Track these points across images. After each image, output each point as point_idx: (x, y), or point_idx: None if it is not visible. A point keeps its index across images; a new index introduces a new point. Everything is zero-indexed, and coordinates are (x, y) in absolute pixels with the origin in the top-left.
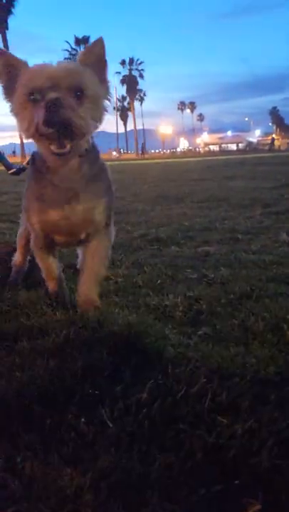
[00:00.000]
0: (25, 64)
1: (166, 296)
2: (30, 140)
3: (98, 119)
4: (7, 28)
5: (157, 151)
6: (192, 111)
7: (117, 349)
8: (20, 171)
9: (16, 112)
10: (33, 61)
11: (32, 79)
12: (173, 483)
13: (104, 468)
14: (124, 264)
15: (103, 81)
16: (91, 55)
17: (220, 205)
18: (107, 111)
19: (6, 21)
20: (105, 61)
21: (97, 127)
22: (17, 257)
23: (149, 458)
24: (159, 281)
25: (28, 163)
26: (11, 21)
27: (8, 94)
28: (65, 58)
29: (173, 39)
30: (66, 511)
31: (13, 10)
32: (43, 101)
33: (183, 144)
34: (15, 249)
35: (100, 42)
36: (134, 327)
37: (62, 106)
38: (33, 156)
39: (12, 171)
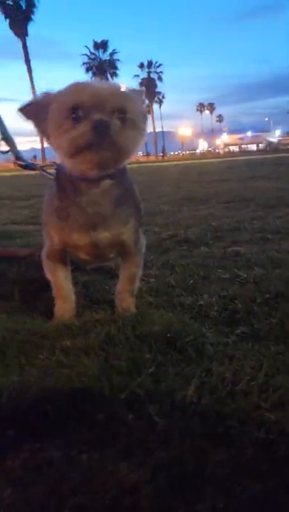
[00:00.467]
0: (48, 94)
1: (201, 296)
2: (68, 160)
3: (138, 145)
4: (27, 35)
5: (176, 152)
6: (211, 112)
7: (158, 347)
8: (29, 167)
9: (52, 129)
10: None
11: (74, 95)
12: (227, 479)
13: (159, 462)
14: (156, 265)
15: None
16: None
17: (247, 205)
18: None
19: (26, 28)
20: (146, 112)
21: (135, 153)
22: None
23: (202, 454)
24: (191, 282)
25: (41, 167)
26: (31, 28)
27: (42, 126)
28: (84, 63)
29: (191, 41)
30: (126, 503)
31: (32, 17)
32: (86, 120)
33: (202, 146)
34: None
35: (141, 93)
36: (174, 326)
37: (110, 128)
38: (58, 170)
39: (20, 163)
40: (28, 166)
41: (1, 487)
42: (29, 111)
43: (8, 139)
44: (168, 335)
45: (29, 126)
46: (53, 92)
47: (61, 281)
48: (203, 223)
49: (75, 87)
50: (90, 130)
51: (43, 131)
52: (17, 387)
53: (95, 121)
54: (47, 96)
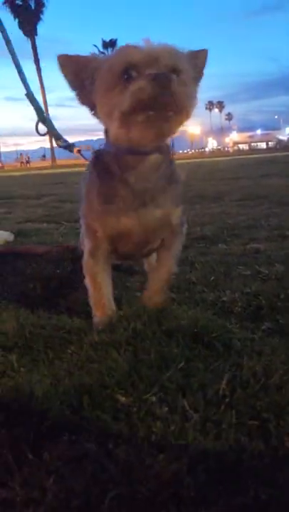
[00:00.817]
0: (93, 55)
1: (223, 293)
2: (115, 127)
3: (193, 109)
4: (36, 35)
5: (185, 151)
6: (220, 110)
7: (185, 342)
8: (68, 147)
9: (102, 95)
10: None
11: (127, 55)
12: (267, 470)
13: (196, 455)
14: None
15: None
16: (195, 59)
17: (261, 202)
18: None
19: (35, 28)
20: (202, 73)
21: (189, 117)
22: None
23: (239, 446)
24: (212, 278)
25: (79, 151)
26: (40, 28)
27: (82, 95)
28: None
29: (200, 39)
30: (167, 494)
31: (41, 16)
32: (138, 79)
33: (211, 144)
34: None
35: (205, 54)
36: (200, 321)
37: (171, 81)
38: (97, 154)
39: (59, 143)
40: (67, 147)
41: (42, 477)
42: (68, 63)
43: (46, 121)
44: (195, 330)
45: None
46: (99, 56)
47: (104, 289)
48: (218, 221)
49: (126, 48)
50: (151, 82)
51: (80, 95)
52: (48, 381)
53: (154, 73)
54: (92, 58)
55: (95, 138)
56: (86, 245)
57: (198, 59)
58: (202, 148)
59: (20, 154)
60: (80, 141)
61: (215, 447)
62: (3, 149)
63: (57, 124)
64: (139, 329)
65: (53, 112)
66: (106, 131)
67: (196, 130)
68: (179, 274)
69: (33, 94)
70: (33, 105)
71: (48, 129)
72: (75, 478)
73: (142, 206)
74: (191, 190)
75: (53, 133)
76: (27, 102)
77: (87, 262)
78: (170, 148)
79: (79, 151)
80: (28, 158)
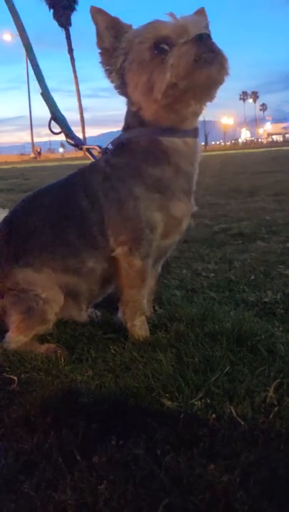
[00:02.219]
0: (129, 26)
1: (264, 293)
2: (153, 107)
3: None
4: (70, 25)
5: (217, 142)
6: (254, 101)
7: (229, 345)
8: (78, 146)
9: (136, 72)
10: (95, 56)
11: (157, 29)
12: None
13: (248, 465)
14: (213, 260)
15: None
16: (203, 17)
17: None
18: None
19: (70, 18)
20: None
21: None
22: None
23: None
24: (252, 277)
25: (88, 149)
26: (74, 18)
27: (110, 60)
28: None
29: (234, 27)
30: (220, 506)
31: (76, 6)
32: (175, 48)
33: (244, 135)
34: None
35: (203, 11)
36: (244, 324)
37: (211, 39)
38: (120, 145)
39: (70, 141)
40: (77, 145)
41: (93, 482)
42: (101, 15)
43: (58, 119)
44: (239, 333)
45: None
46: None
47: (145, 294)
48: (255, 217)
49: (155, 23)
50: (195, 43)
51: (105, 55)
52: (94, 382)
53: (196, 35)
54: (126, 26)
55: None
56: (131, 253)
57: (203, 14)
58: (235, 139)
59: (33, 146)
60: (112, 132)
61: (266, 457)
62: (37, 139)
63: (89, 115)
64: (182, 331)
65: (86, 103)
66: (135, 114)
67: (230, 121)
68: (217, 272)
69: (48, 92)
70: (47, 103)
71: (59, 126)
72: (126, 484)
73: (190, 194)
74: (225, 183)
75: (64, 131)
76: (60, 93)
77: (143, 266)
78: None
79: (88, 150)
80: (40, 149)
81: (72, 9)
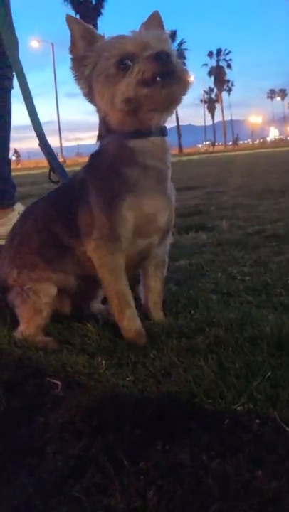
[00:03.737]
0: (101, 36)
1: None
2: (118, 115)
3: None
4: (96, 29)
5: (245, 141)
6: (283, 98)
7: (269, 350)
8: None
9: (102, 83)
10: None
11: (122, 44)
12: None
13: None
14: (248, 262)
15: None
16: (154, 25)
17: None
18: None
19: (96, 23)
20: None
21: (189, 87)
22: None
23: None
24: None
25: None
26: (100, 22)
27: (81, 69)
28: None
29: (261, 25)
30: None
31: (102, 11)
32: (138, 63)
33: (273, 134)
34: None
35: (156, 14)
36: (284, 328)
37: (172, 57)
38: (95, 153)
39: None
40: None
41: (142, 487)
42: (77, 24)
43: (56, 170)
44: (279, 337)
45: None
46: (104, 39)
47: (128, 290)
48: None
49: (119, 39)
50: (153, 61)
51: (77, 63)
52: (136, 387)
53: (155, 52)
54: (99, 37)
55: None
56: (102, 246)
57: (155, 20)
58: (263, 138)
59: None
60: None
61: None
62: (65, 144)
63: None
64: (221, 336)
65: None
66: (104, 121)
67: (257, 120)
68: (253, 275)
69: (45, 139)
70: (44, 151)
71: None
72: (174, 490)
73: (161, 190)
74: (256, 183)
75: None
76: (81, 97)
77: (112, 263)
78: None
79: None
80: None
81: (99, 13)
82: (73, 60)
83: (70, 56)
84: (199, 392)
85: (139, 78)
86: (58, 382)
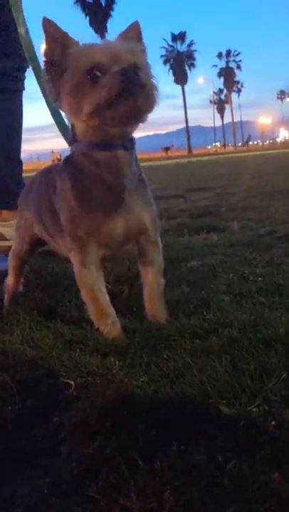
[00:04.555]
0: (76, 42)
1: None
2: (82, 125)
3: (156, 103)
4: (106, 31)
5: (255, 142)
6: None
7: (284, 351)
8: None
9: (68, 92)
10: None
11: (92, 55)
12: None
13: None
14: (260, 263)
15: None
16: (133, 37)
17: None
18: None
19: (106, 25)
20: (144, 47)
21: (157, 104)
22: (9, 280)
23: None
24: None
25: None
26: (110, 24)
27: (52, 73)
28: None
29: (271, 26)
30: None
31: (112, 13)
32: (105, 77)
33: (283, 135)
34: None
35: (136, 25)
36: None
37: (139, 73)
38: (66, 159)
39: None
40: None
41: (158, 487)
42: (52, 28)
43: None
44: None
45: None
46: (77, 45)
47: (102, 298)
48: None
49: (90, 49)
50: (120, 77)
51: (48, 67)
52: (150, 387)
53: (122, 69)
54: (72, 43)
55: (163, 132)
56: (74, 258)
57: (133, 32)
58: (273, 139)
59: (52, 152)
60: (147, 136)
61: None
62: None
63: None
64: (235, 337)
65: None
66: (72, 128)
67: (267, 121)
68: (265, 277)
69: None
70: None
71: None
72: (191, 491)
73: (121, 204)
74: (267, 184)
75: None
76: None
77: (80, 274)
78: (135, 147)
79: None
80: (60, 156)
81: (109, 16)
82: (45, 62)
83: (43, 59)
84: (214, 393)
85: (104, 93)
86: (72, 383)
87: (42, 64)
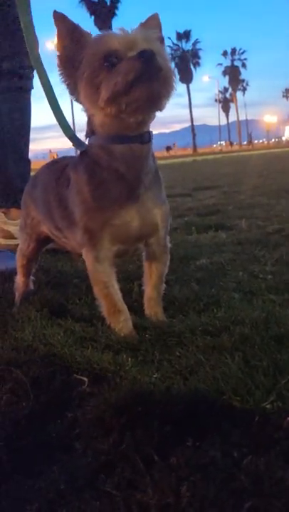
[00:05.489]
0: (88, 34)
1: None
2: (100, 115)
3: (173, 89)
4: (111, 29)
5: (260, 141)
6: None
7: None
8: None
9: (85, 82)
10: None
11: (108, 42)
12: None
13: None
14: (270, 261)
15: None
16: (152, 27)
17: None
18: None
19: (111, 24)
20: (163, 37)
21: (174, 89)
22: (19, 279)
23: None
24: None
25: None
26: (115, 23)
27: (67, 66)
28: None
29: (276, 24)
30: None
31: (116, 12)
32: (122, 62)
33: (288, 133)
34: None
35: (155, 16)
36: None
37: (156, 56)
38: (83, 152)
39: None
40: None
41: (174, 483)
42: (64, 22)
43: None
44: None
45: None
46: (91, 37)
47: (116, 295)
48: None
49: (105, 37)
50: (137, 60)
51: (63, 60)
52: (164, 384)
53: (139, 52)
54: (87, 34)
55: (168, 131)
56: (87, 254)
57: (153, 22)
58: (278, 137)
59: (49, 151)
60: (164, 133)
61: None
62: None
63: None
64: (247, 334)
65: None
66: (89, 122)
67: (273, 119)
68: (275, 274)
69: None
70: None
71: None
72: (207, 486)
73: (136, 199)
74: (274, 183)
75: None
76: None
77: (93, 270)
78: (152, 140)
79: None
80: (57, 155)
81: (113, 15)
82: (59, 57)
83: (57, 53)
84: (227, 390)
85: (121, 79)
86: (85, 379)
87: (56, 59)
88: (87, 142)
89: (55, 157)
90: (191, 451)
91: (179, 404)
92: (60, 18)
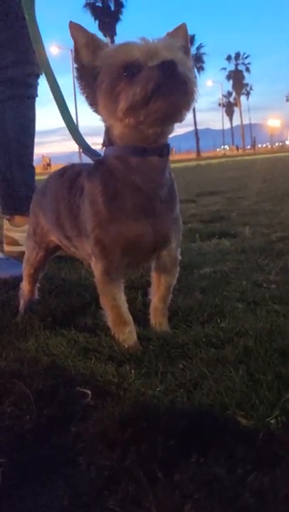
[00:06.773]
0: (106, 43)
1: None
2: (118, 126)
3: (195, 99)
4: (115, 34)
5: (264, 145)
6: None
7: None
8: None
9: (104, 92)
10: None
11: (128, 51)
12: None
13: None
14: (274, 270)
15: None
16: (179, 37)
17: None
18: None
19: (115, 29)
20: (189, 47)
21: (195, 100)
22: (25, 287)
23: None
24: None
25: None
26: (119, 28)
27: (86, 76)
28: None
29: (280, 28)
30: None
31: (120, 17)
32: (142, 72)
33: None
34: None
35: (183, 26)
36: None
37: (177, 66)
38: (98, 162)
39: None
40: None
41: (178, 500)
42: (81, 32)
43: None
44: None
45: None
46: (108, 46)
47: (123, 307)
48: None
49: (125, 46)
50: (157, 71)
51: (82, 72)
52: (167, 398)
53: (160, 62)
54: (104, 44)
55: (171, 135)
56: (96, 264)
57: (181, 31)
58: (282, 141)
59: (43, 156)
60: (177, 135)
61: None
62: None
63: None
64: (251, 347)
65: None
66: (108, 132)
67: (276, 123)
68: (279, 284)
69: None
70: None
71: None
72: (212, 504)
73: (151, 212)
74: (278, 188)
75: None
76: None
77: (103, 283)
78: (170, 153)
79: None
80: (49, 160)
81: (118, 19)
82: (78, 69)
83: (75, 65)
84: (231, 404)
85: (140, 89)
86: (88, 392)
87: (75, 70)
88: (103, 152)
89: (48, 161)
90: (195, 466)
91: (183, 418)
92: (76, 30)
